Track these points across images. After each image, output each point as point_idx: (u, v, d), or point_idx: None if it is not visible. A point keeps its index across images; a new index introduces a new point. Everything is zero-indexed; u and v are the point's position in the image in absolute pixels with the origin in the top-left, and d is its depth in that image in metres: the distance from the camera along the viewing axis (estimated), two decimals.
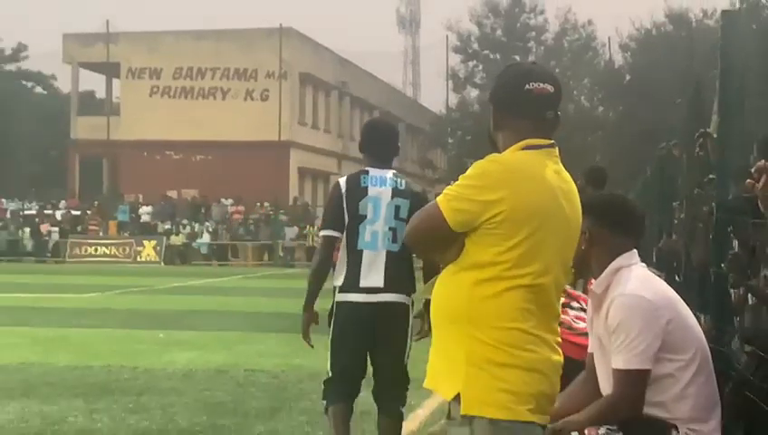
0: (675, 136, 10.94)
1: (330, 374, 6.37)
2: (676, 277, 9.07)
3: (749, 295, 5.69)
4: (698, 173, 6.94)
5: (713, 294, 5.68)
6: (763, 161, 3.95)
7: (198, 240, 43.25)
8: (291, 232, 42.55)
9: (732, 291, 5.86)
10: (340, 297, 6.14)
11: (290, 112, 52.23)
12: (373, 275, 6.02)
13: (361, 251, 6.03)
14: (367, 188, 6.07)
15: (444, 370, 3.47)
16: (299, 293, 25.61)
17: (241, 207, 45.79)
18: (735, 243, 5.89)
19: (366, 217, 6.03)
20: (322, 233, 6.18)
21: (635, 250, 4.46)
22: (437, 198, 3.47)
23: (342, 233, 6.05)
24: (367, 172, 6.14)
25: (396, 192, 6.14)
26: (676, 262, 9.44)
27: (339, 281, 6.11)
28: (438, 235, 3.44)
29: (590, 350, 4.56)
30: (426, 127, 63.78)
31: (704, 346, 4.35)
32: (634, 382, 4.15)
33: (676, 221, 10.17)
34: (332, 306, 6.29)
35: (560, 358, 3.50)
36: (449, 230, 3.41)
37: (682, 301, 4.40)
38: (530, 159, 3.47)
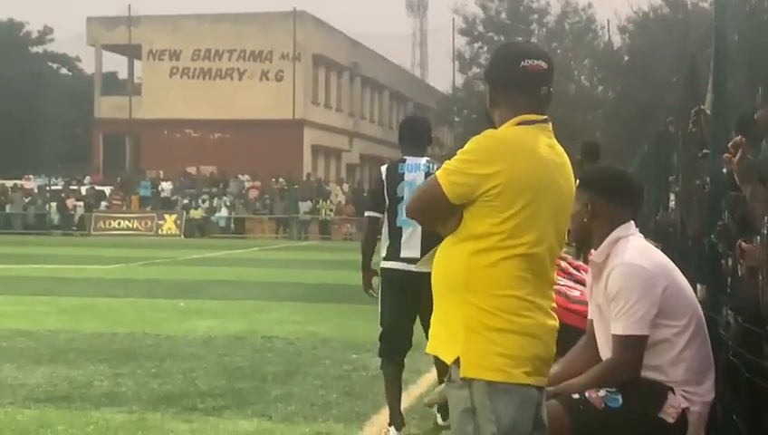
0: (671, 114, 10.87)
1: (382, 330, 7.09)
2: (673, 248, 9.06)
3: (737, 266, 5.69)
4: (693, 149, 6.92)
5: (707, 263, 5.67)
6: (739, 137, 3.95)
7: (217, 214, 43.27)
8: (305, 206, 42.54)
9: (723, 260, 5.86)
10: (384, 264, 6.83)
11: (303, 92, 52.15)
12: (411, 247, 6.64)
13: (400, 227, 6.70)
14: (404, 174, 6.75)
15: (444, 336, 3.49)
16: (313, 264, 25.96)
17: (257, 183, 45.76)
18: (726, 215, 5.89)
19: (402, 198, 6.63)
20: (367, 214, 6.98)
21: (632, 221, 4.47)
22: (437, 172, 3.48)
23: (383, 213, 6.78)
24: (404, 160, 6.87)
25: (428, 176, 6.38)
26: (672, 233, 9.42)
27: (383, 252, 6.85)
28: (438, 207, 3.46)
29: (589, 317, 4.59)
30: (433, 106, 63.62)
31: (698, 313, 4.37)
32: (632, 347, 4.18)
33: (672, 195, 10.14)
34: (378, 271, 6.99)
35: (555, 323, 3.52)
36: (448, 203, 3.42)
37: (678, 270, 4.42)
38: (525, 134, 3.48)
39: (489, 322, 3.39)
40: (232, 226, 43.03)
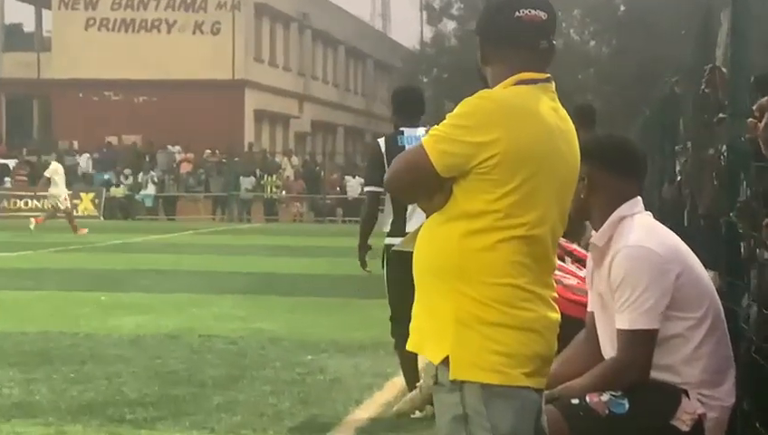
0: (677, 73, 10.92)
1: (391, 312, 7.73)
2: (680, 228, 9.14)
3: (757, 249, 5.74)
4: (706, 113, 6.96)
5: (724, 246, 5.72)
6: (766, 98, 3.97)
7: (142, 192, 43.03)
8: (246, 183, 42.43)
9: (742, 243, 5.91)
10: (389, 240, 7.55)
11: (244, 48, 51.86)
12: (416, 220, 6.88)
13: None
14: (404, 146, 7.34)
15: (430, 331, 3.48)
16: (257, 250, 25.87)
17: (190, 155, 45.52)
18: (745, 190, 5.93)
19: None
20: (367, 189, 7.79)
21: (639, 197, 4.49)
22: (423, 140, 3.47)
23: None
24: (402, 132, 7.68)
25: None
26: (678, 211, 9.49)
27: (387, 228, 7.65)
28: (423, 180, 3.45)
29: (590, 308, 4.61)
30: (397, 64, 63.59)
31: (716, 303, 4.40)
32: (640, 344, 4.20)
33: (678, 167, 10.21)
34: (383, 250, 7.70)
35: (557, 315, 3.53)
36: (436, 175, 3.41)
37: (692, 253, 4.45)
38: (525, 95, 3.48)
39: (484, 314, 3.39)
40: (160, 206, 42.83)
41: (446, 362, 3.42)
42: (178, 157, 45.79)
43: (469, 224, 3.42)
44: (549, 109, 3.51)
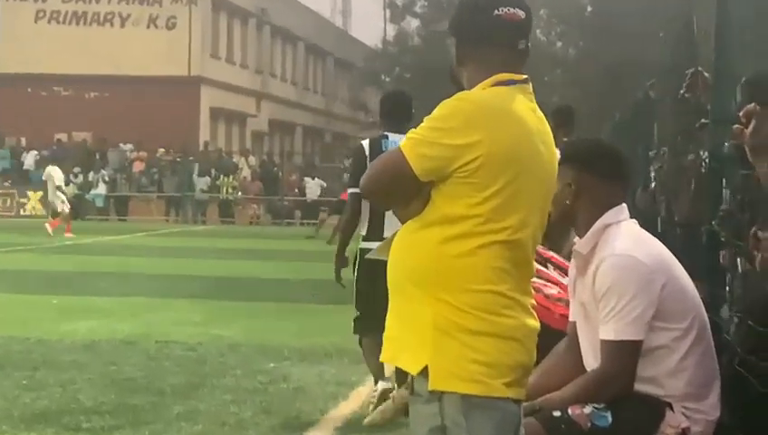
0: (652, 76, 11.00)
1: (357, 313, 7.98)
2: (655, 236, 9.20)
3: (738, 259, 5.78)
4: (685, 118, 7.01)
5: (704, 255, 5.77)
6: (753, 104, 3.99)
7: (93, 191, 42.77)
8: (202, 183, 42.27)
9: (721, 253, 5.95)
10: (364, 244, 7.78)
11: (200, 43, 51.67)
12: (394, 226, 7.20)
13: None
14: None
15: (406, 340, 3.49)
16: (213, 253, 25.80)
17: (143, 154, 45.29)
18: (726, 196, 5.97)
19: None
20: (351, 191, 7.90)
21: (624, 204, 4.51)
22: (400, 144, 3.48)
23: None
24: (386, 137, 7.88)
25: None
26: (653, 219, 9.55)
27: (363, 230, 7.85)
28: (401, 184, 3.45)
29: (571, 317, 4.62)
30: (358, 62, 63.57)
31: (702, 314, 4.42)
32: (625, 355, 4.21)
33: (652, 173, 10.28)
34: (357, 252, 7.90)
35: (536, 323, 3.55)
36: (414, 179, 3.42)
37: (678, 262, 4.46)
38: (504, 96, 3.50)
39: (464, 322, 3.39)
40: (112, 206, 42.60)
41: (424, 371, 3.42)
42: (131, 155, 45.55)
43: (448, 229, 3.42)
44: (528, 110, 3.54)
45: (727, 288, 5.91)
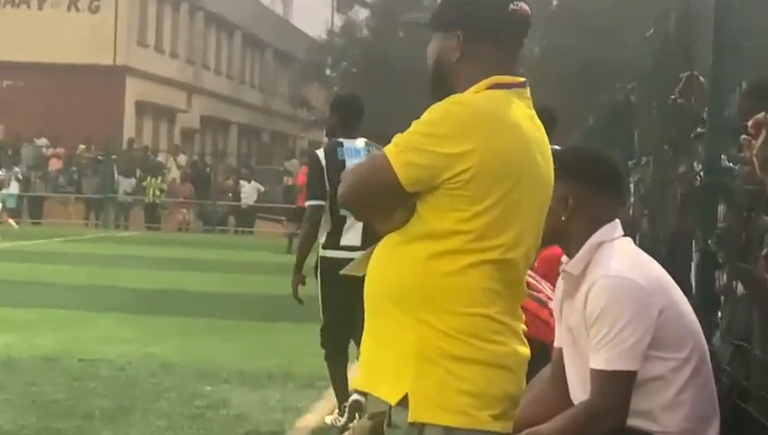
0: (629, 77, 11.04)
1: (323, 322, 8.47)
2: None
3: (733, 282, 5.80)
4: (676, 126, 7.04)
5: (699, 277, 5.79)
6: (763, 114, 4.01)
7: (4, 191, 42.40)
8: (125, 184, 42.03)
9: (716, 274, 5.97)
10: (324, 253, 8.30)
11: (127, 29, 51.42)
12: (352, 235, 8.06)
13: (344, 216, 7.99)
14: (344, 161, 8.11)
15: (385, 366, 3.48)
16: (141, 262, 25.60)
17: (60, 150, 44.95)
18: (721, 213, 5.99)
19: None
20: (309, 203, 8.35)
21: (618, 220, 4.52)
22: (386, 149, 3.46)
23: (326, 201, 8.15)
24: (341, 144, 8.31)
25: None
26: (631, 236, 9.57)
27: (322, 239, 8.27)
28: (385, 195, 3.44)
29: (557, 343, 4.62)
30: (300, 55, 63.48)
31: (701, 342, 4.43)
32: (617, 387, 4.21)
33: (632, 185, 10.32)
34: (317, 260, 8.39)
35: (527, 350, 3.56)
36: (399, 189, 3.40)
37: (675, 285, 4.48)
38: (501, 101, 3.50)
39: (450, 348, 3.39)
40: (25, 207, 42.25)
41: (403, 401, 3.42)
42: (47, 152, 45.18)
43: (436, 245, 3.41)
44: (525, 117, 3.54)
45: (719, 314, 5.94)
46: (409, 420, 3.42)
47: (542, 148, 3.58)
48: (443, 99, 3.51)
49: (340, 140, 8.38)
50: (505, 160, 3.42)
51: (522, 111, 3.52)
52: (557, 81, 44.10)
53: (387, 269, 3.51)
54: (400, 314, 3.44)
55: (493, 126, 3.43)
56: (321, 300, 8.41)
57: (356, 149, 8.32)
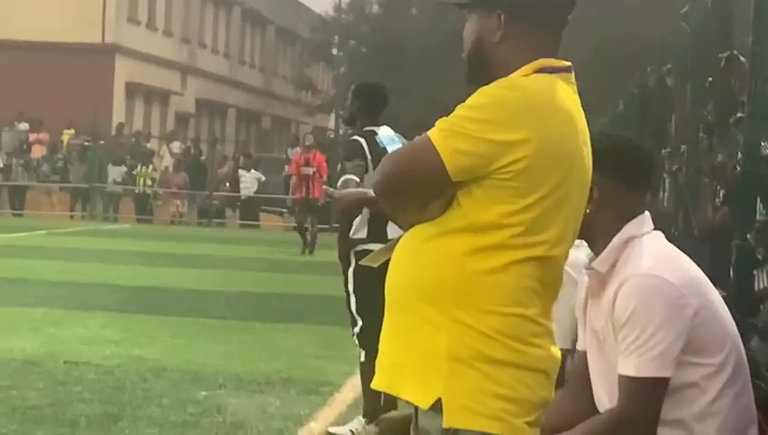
0: (667, 59, 11.02)
1: (359, 322, 8.47)
2: None
3: None
4: (713, 110, 7.04)
5: (736, 274, 5.80)
6: None
7: None
8: (115, 173, 42.07)
9: (755, 272, 5.98)
10: (364, 246, 8.22)
11: (116, 4, 51.55)
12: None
13: None
14: (385, 148, 8.23)
15: (414, 368, 3.49)
16: (130, 257, 25.87)
17: (44, 135, 45.06)
18: (760, 206, 6.01)
19: None
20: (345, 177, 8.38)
21: (647, 213, 4.53)
22: (430, 134, 3.45)
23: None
24: (375, 132, 8.52)
25: None
26: (666, 232, 9.57)
27: (362, 234, 8.32)
28: (426, 183, 3.45)
29: (581, 346, 4.62)
30: (304, 33, 63.56)
31: (738, 346, 4.43)
32: (648, 395, 4.22)
33: (665, 175, 10.32)
34: (352, 255, 8.43)
35: (559, 353, 3.60)
36: (444, 179, 3.42)
37: (711, 284, 4.47)
38: (551, 86, 3.51)
39: (486, 350, 3.42)
40: (5, 197, 42.36)
41: (435, 405, 3.44)
42: (29, 137, 45.25)
43: (476, 239, 3.43)
44: (575, 104, 3.56)
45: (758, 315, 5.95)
46: (444, 425, 3.43)
47: (587, 138, 3.61)
48: (481, 84, 3.51)
49: (372, 128, 8.57)
50: (559, 151, 3.44)
51: (570, 98, 3.54)
52: (582, 58, 44.10)
53: (416, 263, 3.52)
54: (429, 312, 3.46)
55: (547, 114, 3.44)
56: (356, 297, 8.48)
57: (391, 137, 8.52)
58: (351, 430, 8.39)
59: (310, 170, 26.47)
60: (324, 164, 27.26)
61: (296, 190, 27.58)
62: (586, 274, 4.52)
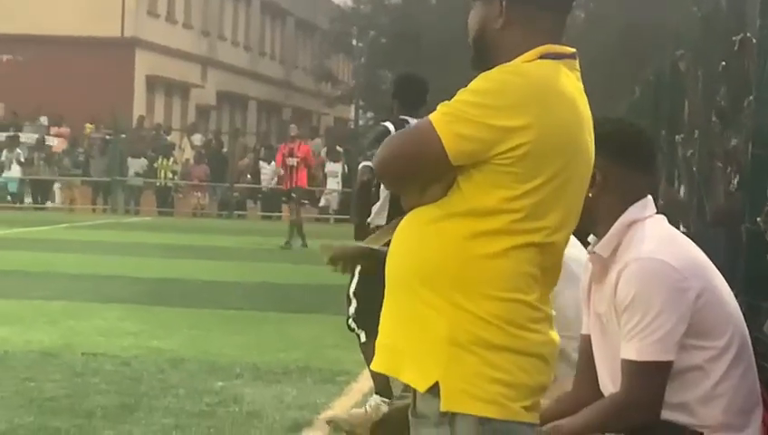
0: (681, 44, 11.00)
1: (354, 302, 8.64)
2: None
3: None
4: (725, 94, 7.03)
5: (746, 259, 5.79)
6: None
7: (5, 174, 42.69)
8: (136, 165, 42.14)
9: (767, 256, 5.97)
10: None
11: None
12: None
13: None
14: None
15: (412, 351, 3.50)
16: (150, 250, 25.91)
17: (65, 129, 45.18)
18: None
19: None
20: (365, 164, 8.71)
21: (650, 196, 4.53)
22: (431, 118, 3.46)
23: None
24: (408, 122, 8.29)
25: None
26: (680, 216, 9.57)
27: (381, 220, 8.35)
28: (426, 166, 3.46)
29: (584, 331, 4.63)
30: (323, 24, 63.51)
31: (742, 329, 4.43)
32: (651, 378, 4.22)
33: (680, 162, 10.30)
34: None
35: (558, 338, 3.60)
36: (444, 162, 3.42)
37: (714, 267, 4.47)
38: (554, 72, 3.52)
39: (485, 334, 3.42)
40: (27, 191, 42.46)
41: (433, 389, 3.45)
42: (51, 131, 45.36)
43: (477, 224, 3.44)
44: (578, 91, 3.57)
45: None
46: (441, 409, 3.44)
47: (589, 125, 3.61)
48: (485, 70, 3.52)
49: (406, 118, 8.63)
50: (561, 137, 3.45)
51: (573, 85, 3.55)
52: (601, 46, 44.03)
53: (418, 246, 3.52)
54: (429, 295, 3.47)
55: (550, 99, 3.45)
56: (357, 278, 8.52)
57: None
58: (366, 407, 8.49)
59: (294, 161, 26.58)
60: (310, 154, 27.54)
61: (282, 181, 27.97)
62: (589, 258, 4.53)
